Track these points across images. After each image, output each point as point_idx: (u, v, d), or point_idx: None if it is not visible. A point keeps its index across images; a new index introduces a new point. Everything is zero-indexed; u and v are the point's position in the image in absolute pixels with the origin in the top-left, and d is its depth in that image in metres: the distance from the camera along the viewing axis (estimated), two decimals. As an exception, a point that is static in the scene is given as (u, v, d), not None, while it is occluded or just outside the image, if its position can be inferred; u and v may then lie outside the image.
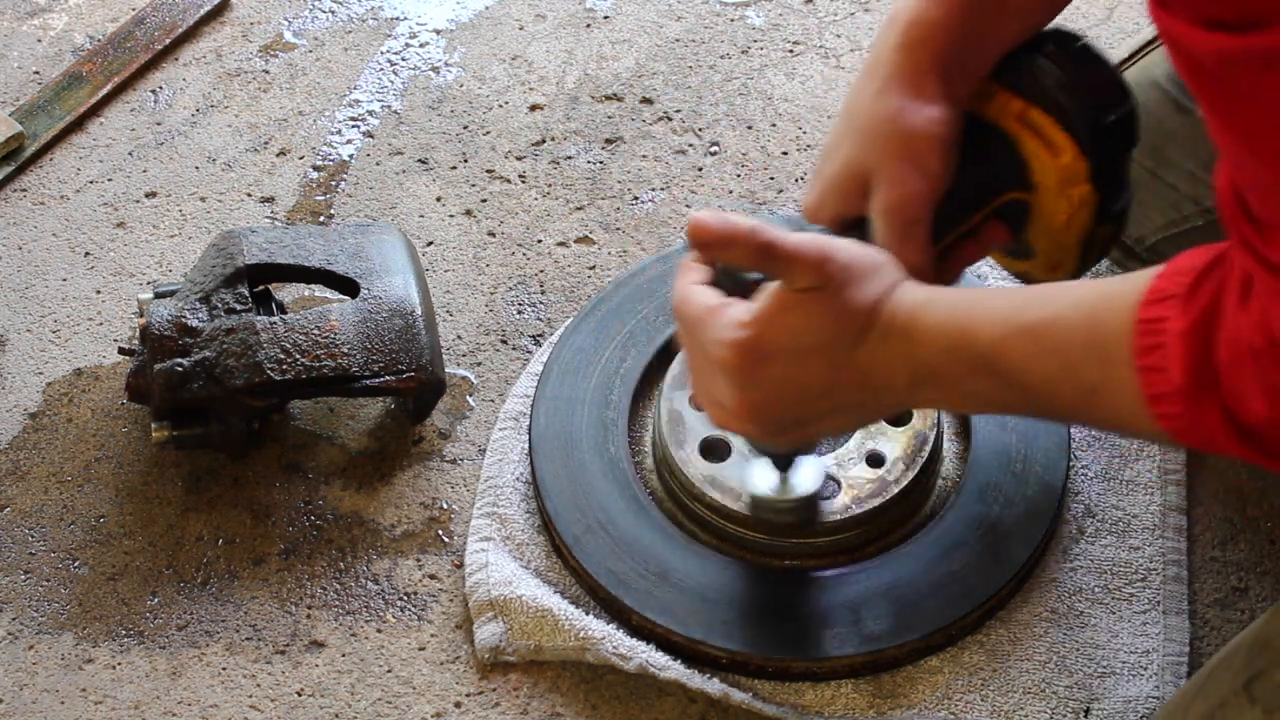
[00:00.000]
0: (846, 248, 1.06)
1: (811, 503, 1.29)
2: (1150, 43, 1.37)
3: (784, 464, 1.27)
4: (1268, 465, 0.94)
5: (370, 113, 1.69)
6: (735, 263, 1.07)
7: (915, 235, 1.13)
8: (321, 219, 1.60)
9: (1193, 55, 0.82)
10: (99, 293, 1.55)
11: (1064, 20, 1.76)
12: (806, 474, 1.28)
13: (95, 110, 1.69)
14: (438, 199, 1.61)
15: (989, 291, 1.08)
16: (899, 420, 1.34)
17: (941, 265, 1.17)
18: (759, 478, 1.28)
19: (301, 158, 1.65)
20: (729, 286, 1.10)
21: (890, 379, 1.06)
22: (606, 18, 1.77)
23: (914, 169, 1.12)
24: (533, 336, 1.50)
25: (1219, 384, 0.91)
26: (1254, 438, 0.91)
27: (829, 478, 1.31)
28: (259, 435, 1.40)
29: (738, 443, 1.33)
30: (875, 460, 1.32)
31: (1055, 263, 1.19)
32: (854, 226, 1.15)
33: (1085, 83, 1.14)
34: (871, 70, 1.15)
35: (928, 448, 1.32)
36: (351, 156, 1.65)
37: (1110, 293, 0.97)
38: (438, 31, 1.77)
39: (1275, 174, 0.83)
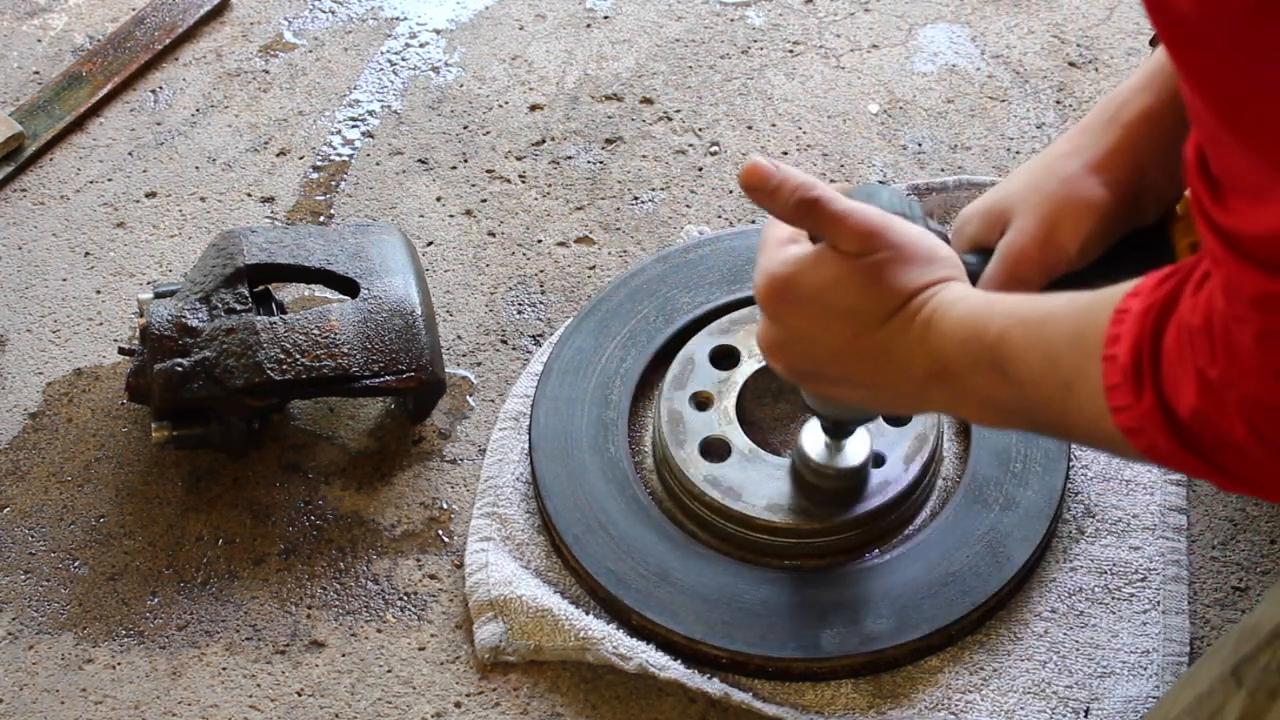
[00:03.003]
0: (904, 229, 1.07)
1: (855, 476, 1.29)
2: None
3: (831, 430, 1.27)
4: (1202, 474, 0.92)
5: (370, 113, 1.69)
6: (779, 213, 1.09)
7: (1015, 290, 1.11)
8: (321, 219, 1.60)
9: (1170, 6, 0.79)
10: (99, 293, 1.55)
11: (1063, 19, 1.76)
12: (856, 448, 1.28)
13: (95, 110, 1.69)
14: (438, 199, 1.61)
15: (1013, 294, 1.06)
16: (899, 420, 1.34)
17: None
18: (811, 440, 1.29)
19: (301, 158, 1.65)
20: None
21: (907, 365, 1.06)
22: (606, 18, 1.77)
23: (1050, 235, 1.12)
24: (533, 336, 1.50)
25: (1160, 370, 0.89)
26: (1184, 432, 0.89)
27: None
28: (259, 435, 1.40)
29: (738, 443, 1.33)
30: (875, 460, 1.32)
31: None
32: (983, 253, 1.15)
33: None
34: (1078, 130, 1.15)
35: (928, 448, 1.32)
36: (351, 156, 1.65)
37: (1105, 294, 0.96)
38: (438, 31, 1.77)
39: (1219, 126, 0.82)
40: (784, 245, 1.10)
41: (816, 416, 1.26)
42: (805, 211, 1.07)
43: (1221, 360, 0.85)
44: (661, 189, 1.61)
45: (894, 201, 1.11)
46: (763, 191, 1.07)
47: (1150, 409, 0.90)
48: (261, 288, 1.43)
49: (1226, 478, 0.91)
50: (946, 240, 1.13)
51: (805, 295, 1.08)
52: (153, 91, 1.72)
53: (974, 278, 1.12)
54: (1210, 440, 0.88)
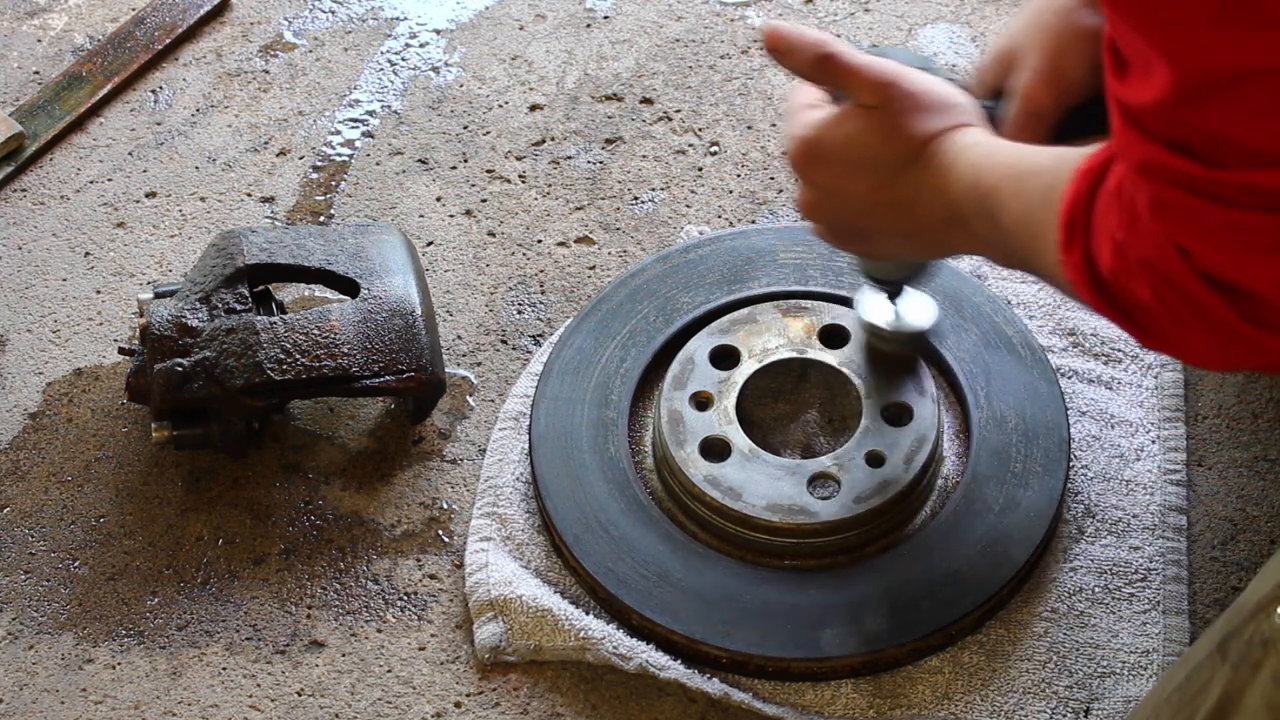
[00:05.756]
0: (918, 79, 1.12)
1: (920, 339, 1.35)
2: None
3: (889, 290, 1.33)
4: (1126, 329, 0.97)
5: (370, 113, 1.69)
6: (797, 70, 1.15)
7: (1033, 126, 1.18)
8: (321, 219, 1.60)
9: None
10: (99, 293, 1.55)
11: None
12: (918, 311, 1.34)
13: (95, 110, 1.69)
14: (438, 199, 1.61)
15: (1020, 145, 1.11)
16: (899, 420, 1.34)
17: None
18: (873, 307, 1.35)
19: (301, 158, 1.65)
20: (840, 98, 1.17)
21: (928, 211, 1.12)
22: (606, 18, 1.77)
23: (1056, 67, 1.17)
24: (533, 336, 1.50)
25: (1090, 229, 0.95)
26: (1105, 289, 0.96)
27: (829, 477, 1.31)
28: (259, 435, 1.40)
29: (738, 443, 1.33)
30: (875, 460, 1.32)
31: None
32: (999, 96, 1.20)
33: None
34: None
35: (928, 448, 1.32)
36: (351, 156, 1.65)
37: (1083, 151, 1.00)
38: (438, 31, 1.77)
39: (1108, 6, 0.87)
40: (807, 110, 1.16)
41: (871, 282, 1.32)
42: (822, 66, 1.13)
43: (1125, 224, 0.91)
44: (661, 189, 1.61)
45: (910, 58, 1.17)
46: (782, 51, 1.13)
47: (1079, 264, 0.96)
48: (261, 288, 1.43)
49: (1144, 334, 0.97)
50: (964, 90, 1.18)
51: (830, 153, 1.14)
52: (153, 91, 1.72)
53: (995, 121, 1.17)
54: (1125, 298, 0.95)
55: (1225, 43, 0.81)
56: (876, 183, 1.13)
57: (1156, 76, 0.85)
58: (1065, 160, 1.01)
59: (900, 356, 1.36)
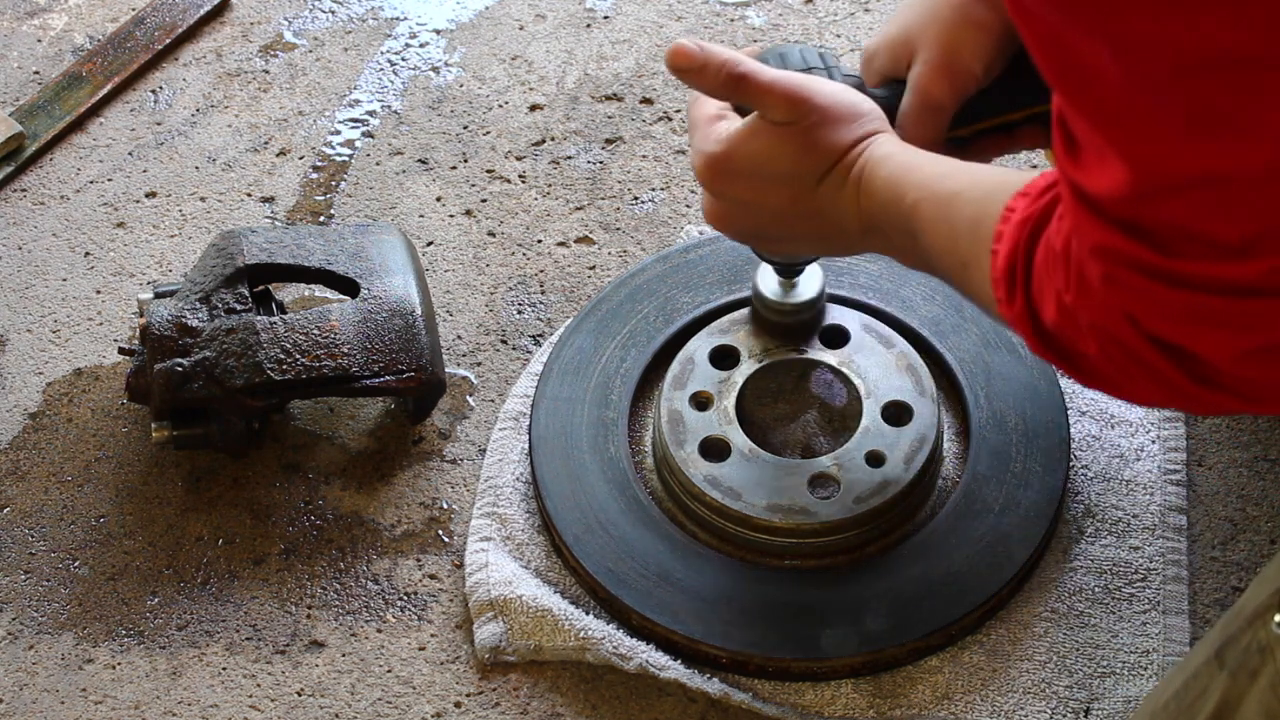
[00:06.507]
0: (828, 91, 1.13)
1: (812, 308, 1.36)
2: None
3: (784, 271, 1.34)
4: (1068, 374, 0.99)
5: (370, 113, 1.69)
6: (708, 90, 1.15)
7: (932, 119, 1.19)
8: (321, 219, 1.60)
9: None
10: (99, 293, 1.55)
11: None
12: (809, 282, 1.35)
13: (95, 110, 1.69)
14: (438, 199, 1.61)
15: (936, 158, 1.12)
16: (899, 420, 1.34)
17: (966, 150, 1.22)
18: (767, 281, 1.35)
19: (301, 158, 1.65)
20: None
21: (844, 222, 1.14)
22: (606, 18, 1.77)
23: (953, 61, 1.18)
24: (533, 336, 1.50)
25: (1030, 281, 0.96)
26: (1048, 338, 0.97)
27: (829, 478, 1.31)
28: (259, 435, 1.40)
29: (738, 443, 1.33)
30: (875, 460, 1.32)
31: None
32: (894, 85, 1.21)
33: None
34: None
35: (928, 448, 1.32)
36: (351, 156, 1.65)
37: (1007, 180, 1.02)
38: (438, 31, 1.77)
39: (1062, 98, 0.87)
40: (713, 122, 1.16)
41: (766, 262, 1.33)
42: (733, 86, 1.13)
43: (1074, 288, 0.92)
44: (661, 189, 1.61)
45: (807, 57, 1.19)
46: (691, 71, 1.13)
47: (1020, 312, 0.97)
48: (261, 288, 1.43)
49: (1088, 379, 0.98)
50: (859, 85, 1.20)
51: (743, 168, 1.14)
52: (153, 91, 1.72)
53: (890, 110, 1.18)
54: (1070, 348, 0.96)
55: (1186, 150, 0.81)
56: (792, 196, 1.14)
57: (1113, 170, 0.85)
58: (987, 188, 1.02)
59: (794, 328, 1.37)
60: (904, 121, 1.19)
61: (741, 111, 1.17)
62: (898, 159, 1.11)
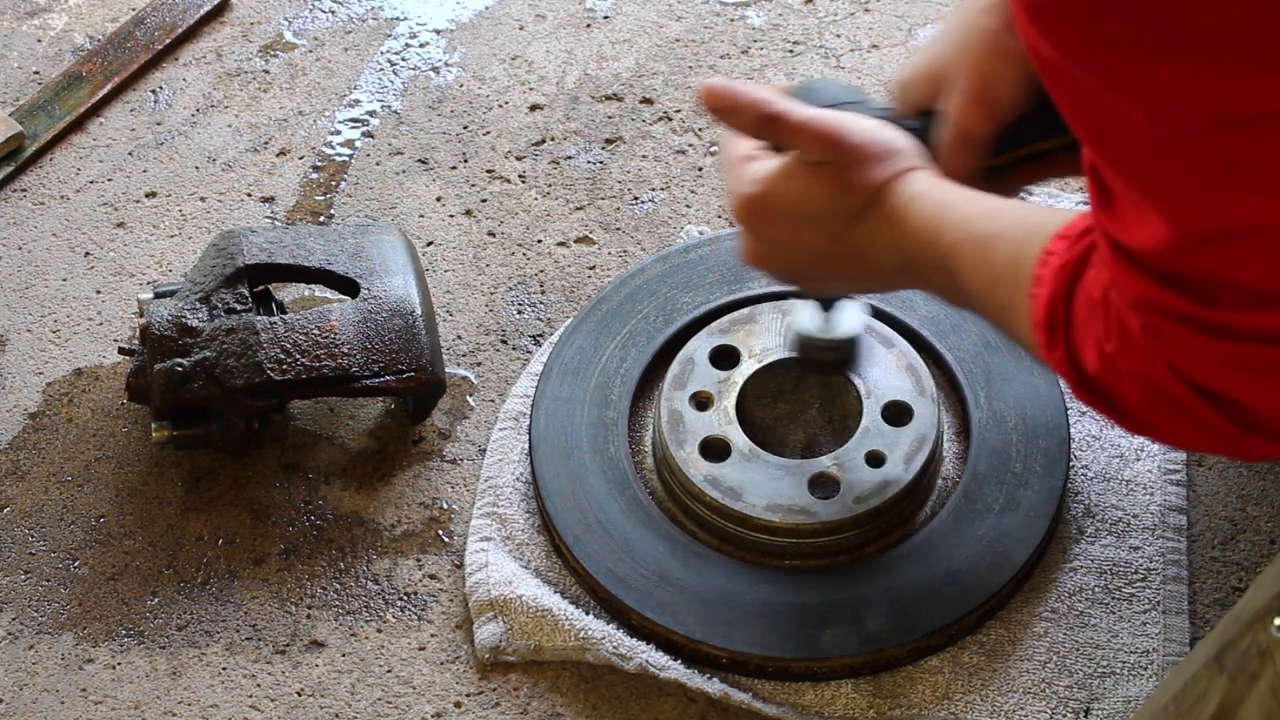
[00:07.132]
0: (863, 128, 1.12)
1: (852, 345, 1.35)
2: None
3: (823, 304, 1.33)
4: (1109, 418, 0.99)
5: (370, 113, 1.69)
6: (742, 130, 1.15)
7: (969, 151, 1.18)
8: (321, 219, 1.60)
9: (1037, 51, 0.85)
10: (99, 293, 1.55)
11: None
12: (849, 317, 1.34)
13: (95, 110, 1.69)
14: (438, 199, 1.61)
15: (974, 196, 1.12)
16: (899, 420, 1.34)
17: (1001, 179, 1.21)
18: (805, 316, 1.34)
19: (301, 158, 1.65)
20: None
21: (880, 260, 1.13)
22: (606, 18, 1.77)
23: (988, 92, 1.17)
24: (533, 336, 1.50)
25: (1070, 325, 0.96)
26: (1089, 384, 0.96)
27: (829, 478, 1.31)
28: (259, 435, 1.40)
29: (738, 443, 1.33)
30: (875, 460, 1.32)
31: None
32: (927, 115, 1.20)
33: None
34: None
35: (928, 447, 1.32)
36: (351, 156, 1.65)
37: (1046, 220, 1.01)
38: (438, 31, 1.77)
39: (1095, 154, 0.87)
40: (747, 163, 1.16)
41: (807, 297, 1.33)
42: (766, 126, 1.13)
43: (1115, 338, 0.92)
44: (661, 189, 1.61)
45: (839, 93, 1.18)
46: (724, 110, 1.13)
47: (1062, 359, 0.97)
48: (261, 288, 1.43)
49: (1130, 425, 0.98)
50: (890, 118, 1.18)
51: (779, 209, 1.14)
52: (153, 91, 1.72)
53: (926, 141, 1.18)
54: (1112, 395, 0.96)
55: (1222, 203, 0.81)
56: (829, 236, 1.14)
57: (1151, 224, 0.85)
58: (1026, 229, 1.02)
59: (832, 364, 1.36)
60: (940, 155, 1.18)
61: (777, 149, 1.16)
62: (934, 196, 1.11)
